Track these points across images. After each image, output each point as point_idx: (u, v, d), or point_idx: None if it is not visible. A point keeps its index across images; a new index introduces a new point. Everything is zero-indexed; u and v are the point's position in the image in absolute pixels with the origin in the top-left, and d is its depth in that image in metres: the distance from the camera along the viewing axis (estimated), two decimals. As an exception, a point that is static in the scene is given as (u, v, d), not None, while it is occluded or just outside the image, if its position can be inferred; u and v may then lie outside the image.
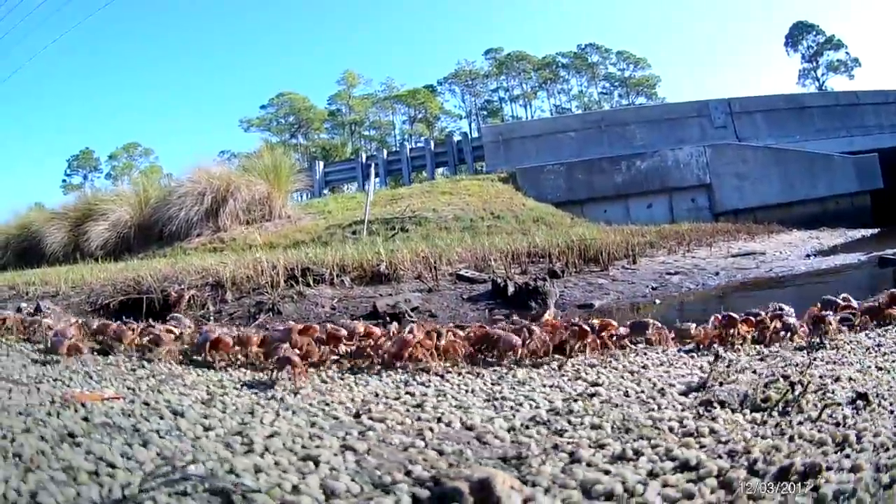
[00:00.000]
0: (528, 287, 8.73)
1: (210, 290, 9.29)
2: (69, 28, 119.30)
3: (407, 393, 3.31)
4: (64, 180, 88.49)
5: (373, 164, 28.89)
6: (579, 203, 23.43)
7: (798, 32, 77.27)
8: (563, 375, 3.66)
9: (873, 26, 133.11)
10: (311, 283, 9.43)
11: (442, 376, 3.73)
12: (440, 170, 34.17)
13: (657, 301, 8.74)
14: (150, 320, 7.44)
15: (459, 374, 3.81)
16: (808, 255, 13.91)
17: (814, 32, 76.76)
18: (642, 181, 24.54)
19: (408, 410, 2.94)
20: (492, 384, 3.49)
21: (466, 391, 3.33)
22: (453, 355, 4.08)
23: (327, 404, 3.07)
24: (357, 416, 2.82)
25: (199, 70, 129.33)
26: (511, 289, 8.79)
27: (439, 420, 2.76)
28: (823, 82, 74.01)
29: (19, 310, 8.61)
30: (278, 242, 18.33)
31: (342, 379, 3.75)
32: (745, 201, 24.78)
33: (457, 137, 35.11)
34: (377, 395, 3.29)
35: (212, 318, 8.38)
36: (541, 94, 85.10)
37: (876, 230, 21.99)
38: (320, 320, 7.77)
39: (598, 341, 4.32)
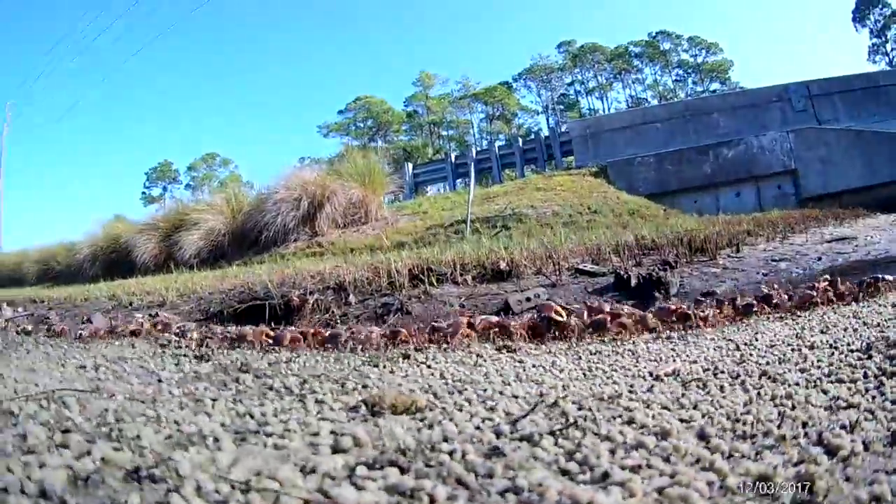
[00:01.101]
0: (651, 278, 9.11)
1: (332, 294, 9.55)
2: (147, 41, 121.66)
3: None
4: (143, 192, 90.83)
5: (473, 163, 29.19)
6: (670, 194, 23.48)
7: (864, 6, 75.76)
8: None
9: None
10: (435, 282, 9.78)
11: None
12: (529, 166, 34.41)
13: (776, 286, 8.71)
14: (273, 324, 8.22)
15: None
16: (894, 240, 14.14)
17: (880, 5, 74.89)
18: (730, 169, 24.45)
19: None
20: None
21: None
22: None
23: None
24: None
25: (276, 78, 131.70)
26: (634, 280, 9.17)
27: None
28: (894, 57, 72.66)
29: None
30: (378, 245, 18.49)
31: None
32: (830, 186, 24.47)
33: (545, 133, 35.51)
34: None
35: (338, 321, 8.62)
36: (616, 86, 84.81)
37: None
38: (451, 317, 8.22)
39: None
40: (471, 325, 5.84)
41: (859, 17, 77.11)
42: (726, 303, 6.21)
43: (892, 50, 74.73)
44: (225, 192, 26.12)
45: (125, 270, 22.54)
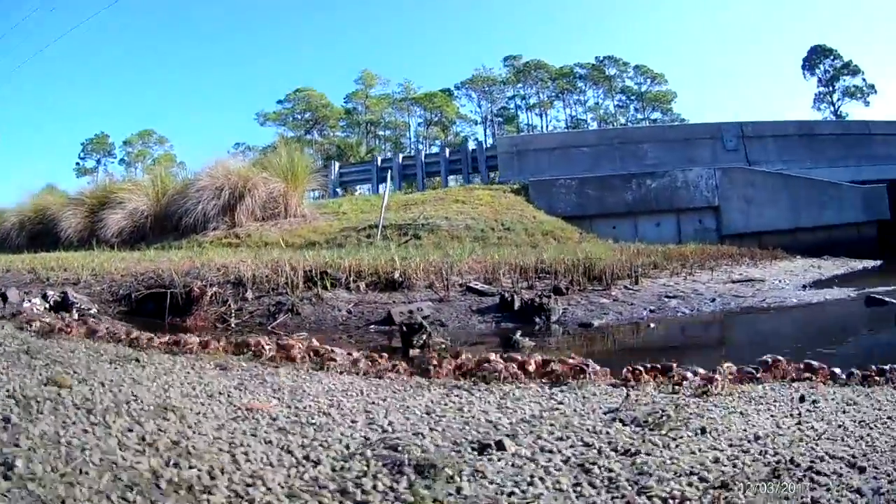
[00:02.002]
0: (534, 303, 9.28)
1: (231, 288, 9.70)
2: (91, 11, 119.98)
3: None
4: (77, 163, 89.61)
5: (389, 170, 29.28)
6: (589, 218, 23.54)
7: (815, 56, 78.88)
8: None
9: (890, 54, 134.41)
10: (329, 286, 9.90)
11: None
12: (453, 177, 34.41)
13: (652, 325, 9.13)
14: (173, 315, 8.77)
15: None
16: (804, 286, 14.14)
17: (831, 57, 78.15)
18: (652, 200, 24.64)
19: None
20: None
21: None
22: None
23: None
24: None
25: (218, 61, 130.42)
26: (517, 304, 9.34)
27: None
28: (839, 108, 75.45)
29: (45, 297, 9.12)
30: (293, 241, 18.83)
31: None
32: (752, 225, 24.92)
33: (471, 146, 35.41)
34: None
35: (233, 315, 8.80)
36: (557, 104, 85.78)
37: (879, 262, 22.10)
38: (336, 324, 8.75)
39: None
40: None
41: (809, 65, 79.66)
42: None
43: (837, 101, 77.18)
44: (152, 173, 26.50)
45: (50, 243, 22.50)
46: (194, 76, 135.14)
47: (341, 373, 4.73)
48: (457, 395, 3.94)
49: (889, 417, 3.28)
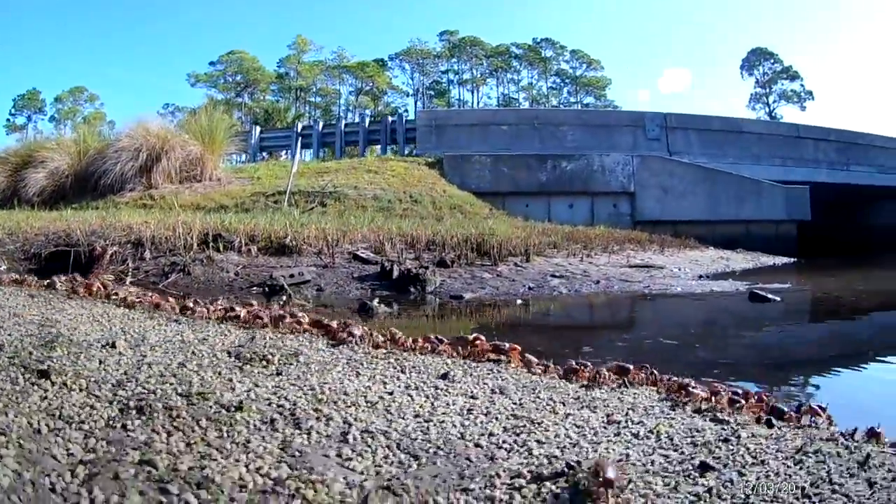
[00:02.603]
0: (410, 273, 9.57)
1: (131, 248, 10.06)
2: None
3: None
4: (8, 119, 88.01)
5: (299, 137, 29.21)
6: (502, 195, 23.57)
7: (756, 58, 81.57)
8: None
9: (831, 63, 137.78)
10: (221, 248, 10.27)
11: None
12: (374, 148, 34.37)
13: (520, 301, 9.18)
14: (76, 272, 8.76)
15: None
16: (700, 276, 14.23)
17: (772, 60, 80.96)
18: (566, 182, 24.75)
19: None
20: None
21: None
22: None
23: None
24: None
25: (152, 17, 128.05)
26: (396, 273, 9.64)
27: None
28: (773, 110, 78.08)
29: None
30: (205, 204, 18.82)
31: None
32: (667, 214, 25.21)
33: (391, 118, 35.04)
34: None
35: (129, 274, 9.24)
36: (490, 82, 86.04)
37: (793, 260, 22.55)
38: (224, 284, 9.13)
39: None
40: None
41: (748, 66, 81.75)
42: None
43: (773, 103, 79.69)
44: (75, 133, 26.25)
45: (-25, 202, 22.08)
46: (128, 33, 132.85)
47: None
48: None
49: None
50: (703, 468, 2.28)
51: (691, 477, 2.23)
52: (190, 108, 60.55)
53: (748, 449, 2.50)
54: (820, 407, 2.96)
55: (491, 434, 2.66)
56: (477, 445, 2.52)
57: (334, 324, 4.81)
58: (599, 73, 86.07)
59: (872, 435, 2.65)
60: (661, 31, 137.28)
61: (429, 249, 12.02)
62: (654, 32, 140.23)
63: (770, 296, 9.88)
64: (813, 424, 2.84)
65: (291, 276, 9.31)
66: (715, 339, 7.33)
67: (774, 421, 2.83)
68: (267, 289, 8.78)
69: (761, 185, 27.22)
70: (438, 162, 25.02)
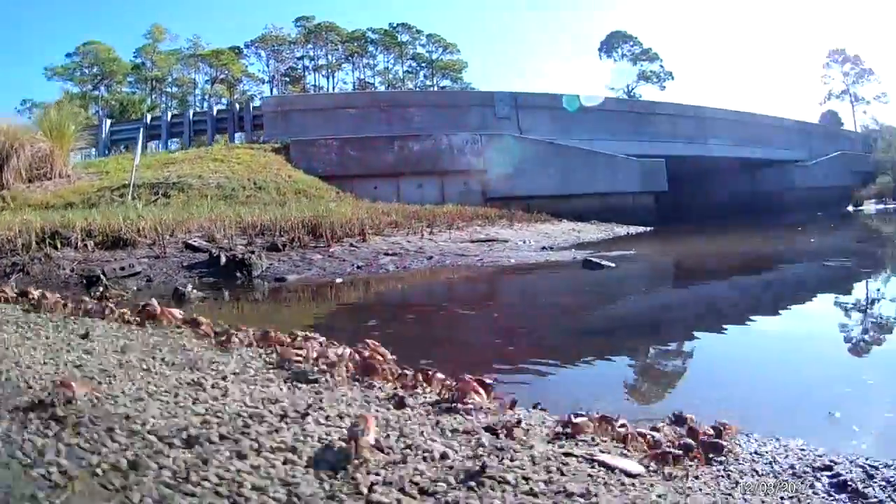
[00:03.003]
0: (236, 259, 9.78)
1: None
2: None
3: None
4: None
5: (142, 129, 27.98)
6: (350, 179, 23.34)
7: (614, 40, 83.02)
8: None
9: (688, 44, 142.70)
10: (59, 245, 10.31)
11: None
12: (237, 135, 33.44)
13: (339, 280, 9.48)
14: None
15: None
16: (544, 248, 14.55)
17: (631, 42, 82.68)
18: (415, 162, 25.29)
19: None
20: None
21: None
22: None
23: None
24: None
25: (5, 7, 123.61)
26: (223, 259, 9.82)
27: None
28: (632, 90, 79.89)
29: None
30: (54, 202, 18.36)
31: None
32: (519, 189, 25.35)
33: (239, 105, 34.49)
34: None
35: None
36: (346, 67, 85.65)
37: (648, 229, 23.27)
38: (61, 281, 9.09)
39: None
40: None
41: (607, 48, 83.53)
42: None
43: (633, 83, 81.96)
44: None
45: None
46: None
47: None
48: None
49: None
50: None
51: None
52: (47, 103, 58.96)
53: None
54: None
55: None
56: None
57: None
58: (456, 56, 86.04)
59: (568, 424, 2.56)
60: (521, 15, 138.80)
61: (262, 235, 12.07)
62: (513, 16, 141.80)
63: (604, 262, 10.20)
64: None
65: (122, 268, 9.39)
66: (516, 306, 7.57)
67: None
68: (85, 281, 8.74)
69: (616, 160, 27.84)
70: (285, 147, 24.78)
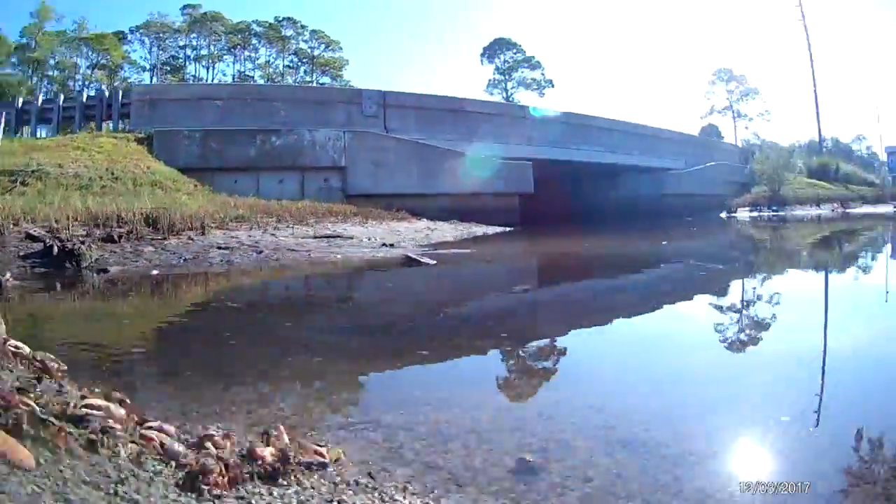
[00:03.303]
0: (66, 249, 10.01)
1: None
2: None
3: None
4: None
5: (3, 112, 27.61)
6: (211, 171, 23.26)
7: (498, 47, 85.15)
8: None
9: (567, 53, 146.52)
10: None
11: None
12: (107, 123, 32.82)
13: (155, 272, 9.76)
14: None
15: None
16: (383, 245, 15.03)
17: (514, 50, 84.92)
18: (276, 157, 25.43)
19: None
20: None
21: None
22: None
23: None
24: None
25: None
26: (56, 250, 10.00)
27: None
28: (511, 95, 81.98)
29: None
30: None
31: None
32: (381, 188, 25.67)
33: (107, 92, 34.06)
34: None
35: None
36: (228, 59, 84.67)
37: (508, 228, 23.97)
38: None
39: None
40: None
41: (489, 54, 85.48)
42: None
43: (511, 89, 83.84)
44: None
45: None
46: None
47: None
48: None
49: None
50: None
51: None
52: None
53: None
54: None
55: None
56: None
57: None
58: (337, 53, 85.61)
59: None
60: (405, 18, 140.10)
61: (104, 226, 12.11)
62: (398, 19, 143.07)
63: (424, 260, 10.63)
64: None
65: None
66: (294, 302, 8.24)
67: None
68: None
69: (481, 161, 28.13)
70: (149, 138, 24.54)
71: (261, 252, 11.93)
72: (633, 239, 20.39)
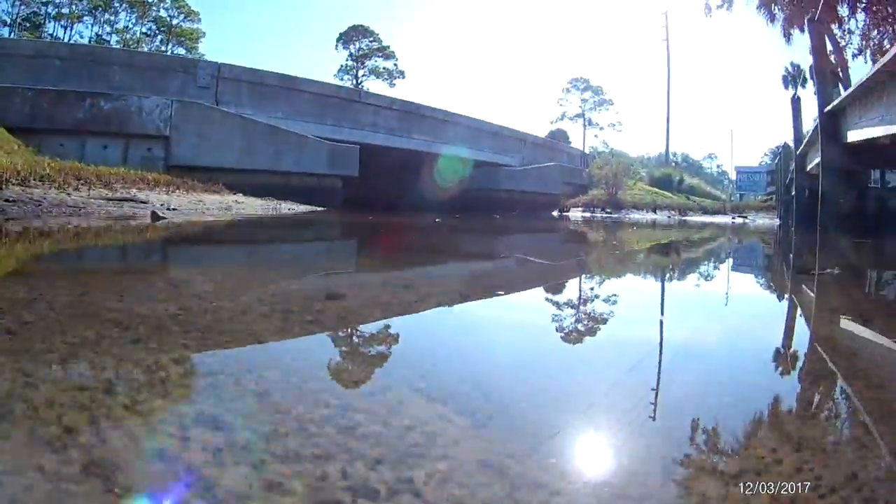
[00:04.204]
0: None
1: None
2: None
3: None
4: None
5: None
6: (39, 133, 23.21)
7: (354, 34, 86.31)
8: None
9: (418, 46, 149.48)
10: None
11: None
12: None
13: None
14: None
15: None
16: (171, 208, 16.57)
17: (370, 38, 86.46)
18: (103, 122, 25.24)
19: None
20: None
21: None
22: None
23: None
24: None
25: None
26: None
27: None
28: (361, 83, 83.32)
29: None
30: None
31: None
32: (203, 160, 26.08)
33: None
34: None
35: None
36: (88, 20, 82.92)
37: (320, 209, 25.31)
38: None
39: None
40: None
41: (345, 40, 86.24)
42: None
43: (362, 76, 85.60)
44: None
45: None
46: None
47: None
48: None
49: None
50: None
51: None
52: None
53: None
54: None
55: None
56: None
57: None
58: (196, 25, 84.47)
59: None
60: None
61: None
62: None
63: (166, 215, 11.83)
64: None
65: None
66: None
67: None
68: None
69: (306, 141, 29.66)
70: (-26, 96, 24.32)
71: (39, 204, 13.04)
72: (434, 225, 20.17)
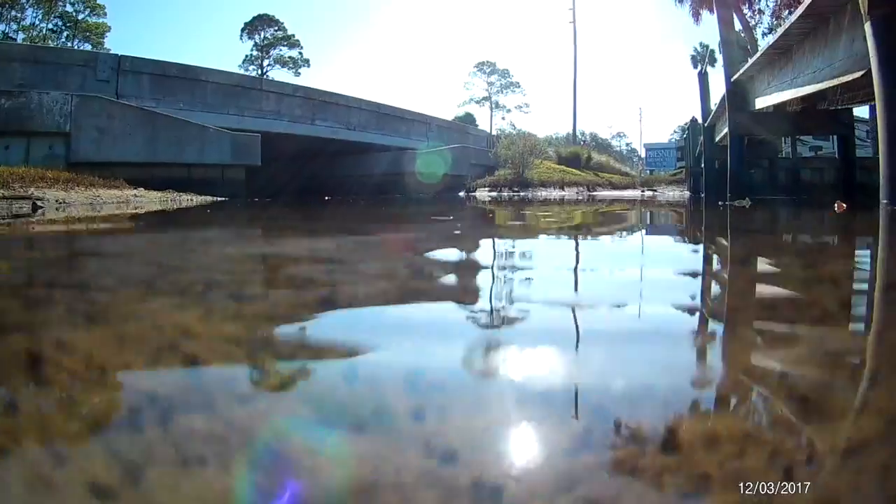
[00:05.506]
0: None
1: None
2: None
3: None
4: None
5: None
6: None
7: (259, 24, 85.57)
8: None
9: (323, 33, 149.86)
10: None
11: None
12: None
13: None
14: None
15: None
16: (63, 203, 17.15)
17: (275, 27, 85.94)
18: (3, 121, 25.02)
19: None
20: None
21: None
22: None
23: None
24: None
25: None
26: None
27: None
28: (266, 72, 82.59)
29: None
30: None
31: None
32: (104, 156, 26.47)
33: None
34: None
35: None
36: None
37: (222, 199, 25.71)
38: None
39: None
40: None
41: (250, 30, 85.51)
42: None
43: (267, 65, 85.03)
44: None
45: None
46: None
47: None
48: None
49: None
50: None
51: None
52: None
53: None
54: None
55: None
56: None
57: None
58: (102, 19, 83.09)
59: None
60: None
61: None
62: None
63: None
64: None
65: None
66: None
67: None
68: None
69: (207, 131, 29.92)
70: None
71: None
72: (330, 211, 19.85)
